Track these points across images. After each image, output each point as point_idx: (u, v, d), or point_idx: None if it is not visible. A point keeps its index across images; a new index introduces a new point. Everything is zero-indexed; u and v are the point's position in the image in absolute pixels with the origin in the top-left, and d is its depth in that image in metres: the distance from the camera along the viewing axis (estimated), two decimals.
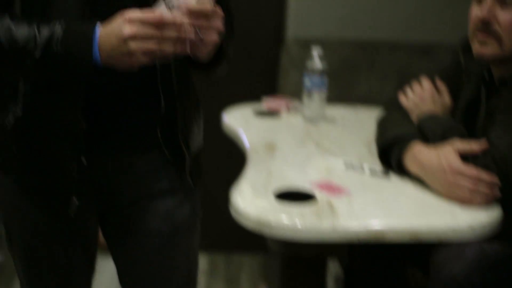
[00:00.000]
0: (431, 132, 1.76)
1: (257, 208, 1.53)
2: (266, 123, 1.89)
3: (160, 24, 1.23)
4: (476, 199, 1.59)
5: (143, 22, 1.22)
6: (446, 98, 1.91)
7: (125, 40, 1.22)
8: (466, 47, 1.85)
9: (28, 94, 1.39)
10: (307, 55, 2.27)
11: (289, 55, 3.05)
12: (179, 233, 1.52)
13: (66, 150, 1.41)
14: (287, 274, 2.05)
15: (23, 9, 1.35)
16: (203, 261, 3.20)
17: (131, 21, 1.23)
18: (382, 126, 1.91)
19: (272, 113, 2.33)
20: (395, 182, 1.73)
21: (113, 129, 1.45)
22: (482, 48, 1.72)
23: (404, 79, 2.02)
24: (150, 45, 1.23)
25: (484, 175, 1.58)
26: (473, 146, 1.63)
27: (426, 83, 1.94)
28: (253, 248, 3.18)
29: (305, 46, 2.96)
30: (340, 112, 2.41)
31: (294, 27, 3.12)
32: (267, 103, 2.42)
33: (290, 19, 3.13)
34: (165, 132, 1.46)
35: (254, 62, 3.19)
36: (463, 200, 1.60)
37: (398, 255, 1.90)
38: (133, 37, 1.22)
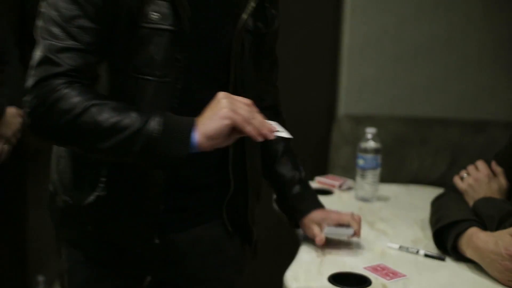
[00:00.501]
0: (488, 216, 1.74)
1: None
2: None
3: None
4: None
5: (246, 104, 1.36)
6: (503, 180, 1.90)
7: (222, 107, 1.33)
8: None
9: (111, 178, 1.47)
10: (359, 132, 2.28)
11: (340, 131, 3.08)
12: None
13: (141, 230, 1.50)
14: None
15: (110, 94, 1.41)
16: None
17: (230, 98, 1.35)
18: (437, 209, 1.90)
19: (324, 191, 2.33)
20: (451, 267, 1.71)
21: (184, 208, 1.58)
22: None
23: (457, 156, 2.02)
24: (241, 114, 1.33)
25: None
26: None
27: (481, 165, 1.94)
28: None
29: (356, 122, 2.99)
30: (392, 190, 2.40)
31: (345, 104, 3.16)
32: (320, 181, 2.44)
33: (341, 96, 3.17)
34: (231, 210, 1.64)
35: (306, 138, 3.22)
36: None
37: None
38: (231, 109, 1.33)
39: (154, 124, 1.31)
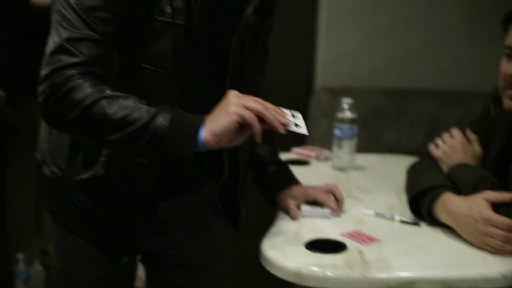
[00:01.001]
0: (462, 182, 1.77)
1: (288, 259, 1.54)
2: (296, 171, 1.91)
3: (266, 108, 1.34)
4: (508, 248, 1.58)
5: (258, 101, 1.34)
6: (477, 147, 1.92)
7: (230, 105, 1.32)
8: (497, 98, 1.87)
9: (111, 158, 1.49)
10: (336, 104, 2.29)
11: (318, 103, 3.09)
12: (217, 261, 1.80)
13: (128, 214, 1.55)
14: None
15: (119, 85, 1.40)
16: None
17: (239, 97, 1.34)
18: (413, 176, 1.92)
19: (301, 162, 2.35)
20: (426, 232, 1.74)
21: (175, 194, 1.63)
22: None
23: (434, 127, 2.04)
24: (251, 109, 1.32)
25: None
26: (505, 195, 1.64)
27: (456, 133, 1.96)
28: None
29: (334, 95, 3.00)
30: (369, 160, 2.42)
31: (323, 76, 3.17)
32: (297, 152, 2.45)
33: (319, 69, 3.18)
34: (223, 193, 1.69)
35: None
36: (495, 250, 1.59)
37: None
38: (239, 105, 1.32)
39: (162, 120, 1.30)
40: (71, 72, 1.31)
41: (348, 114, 2.25)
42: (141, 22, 1.40)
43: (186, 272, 1.76)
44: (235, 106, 1.30)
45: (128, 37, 1.41)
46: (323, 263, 1.51)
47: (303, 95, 3.22)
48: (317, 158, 2.39)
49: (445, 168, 1.89)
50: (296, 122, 1.38)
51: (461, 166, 1.84)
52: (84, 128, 1.34)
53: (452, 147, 1.93)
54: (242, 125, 1.32)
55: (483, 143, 1.93)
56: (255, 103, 1.32)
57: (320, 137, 2.95)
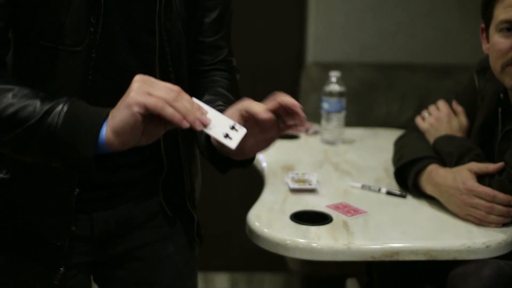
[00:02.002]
0: (447, 153, 1.78)
1: (273, 230, 1.56)
2: (284, 145, 1.92)
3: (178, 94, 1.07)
4: (491, 219, 1.60)
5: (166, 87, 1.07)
6: (463, 119, 1.93)
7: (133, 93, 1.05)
8: (481, 70, 1.87)
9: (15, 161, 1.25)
10: (327, 79, 2.30)
11: (309, 79, 3.09)
12: (183, 279, 1.49)
13: (54, 218, 1.30)
14: None
15: (14, 67, 1.23)
16: (224, 281, 3.23)
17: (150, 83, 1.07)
18: (399, 148, 1.93)
19: (290, 136, 2.36)
20: (412, 203, 1.75)
21: (106, 186, 1.36)
22: None
23: (424, 101, 2.04)
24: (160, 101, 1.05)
25: (500, 195, 1.59)
26: (489, 167, 1.65)
27: (442, 104, 1.97)
28: (274, 267, 3.20)
29: (325, 70, 3.00)
30: (358, 134, 2.43)
31: (313, 51, 3.16)
32: None
33: (309, 43, 3.18)
34: (168, 195, 1.41)
35: (274, 86, 3.22)
36: (479, 220, 1.61)
37: (417, 274, 1.91)
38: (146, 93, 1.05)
39: (55, 116, 1.07)
40: None
41: (336, 88, 2.25)
42: None
43: None
44: (136, 93, 1.03)
45: (19, 8, 1.18)
46: (308, 235, 1.53)
47: (294, 70, 3.21)
48: (307, 132, 2.40)
49: (431, 140, 1.90)
50: (228, 133, 1.10)
51: (446, 138, 1.85)
52: None
53: (438, 119, 1.94)
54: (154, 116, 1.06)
55: (469, 114, 1.93)
56: (164, 90, 1.05)
57: (311, 112, 2.94)
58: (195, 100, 1.10)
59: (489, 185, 1.62)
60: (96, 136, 1.05)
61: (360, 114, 3.04)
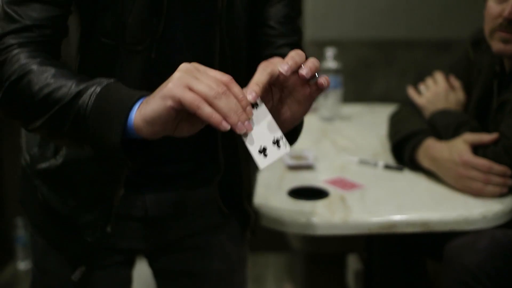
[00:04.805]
0: (444, 127, 1.78)
1: (271, 206, 1.57)
2: None
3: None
4: (488, 190, 1.61)
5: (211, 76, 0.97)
6: (460, 94, 1.93)
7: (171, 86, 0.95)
8: (475, 42, 1.87)
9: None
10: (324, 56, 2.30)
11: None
12: (235, 271, 1.46)
13: (93, 217, 1.28)
14: (309, 270, 2.09)
15: (79, 63, 1.21)
16: None
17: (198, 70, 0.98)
18: (395, 123, 1.94)
19: None
20: (408, 176, 1.76)
21: (161, 188, 1.33)
22: (506, 45, 1.68)
23: (422, 77, 2.04)
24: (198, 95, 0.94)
25: (496, 166, 1.60)
26: (484, 137, 1.65)
27: (439, 78, 1.97)
28: (278, 247, 3.22)
29: (323, 48, 3.00)
30: (356, 110, 2.44)
31: (311, 29, 3.16)
32: None
33: (307, 21, 3.17)
34: (224, 193, 1.36)
35: None
36: (476, 192, 1.62)
37: (416, 249, 1.92)
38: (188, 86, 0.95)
39: (86, 97, 1.01)
40: (10, 41, 1.10)
41: (332, 64, 2.25)
42: None
43: (195, 282, 1.42)
44: (174, 86, 0.94)
45: (84, 2, 1.16)
46: (304, 210, 1.54)
47: None
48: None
49: (428, 115, 1.90)
50: (266, 147, 0.97)
51: (443, 112, 1.85)
52: (11, 110, 1.10)
53: (436, 93, 1.93)
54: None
55: (464, 87, 1.93)
56: (208, 83, 0.94)
57: None
58: (249, 95, 0.97)
59: (484, 156, 1.62)
60: (124, 121, 0.97)
61: (359, 91, 3.04)
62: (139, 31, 1.16)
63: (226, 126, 0.93)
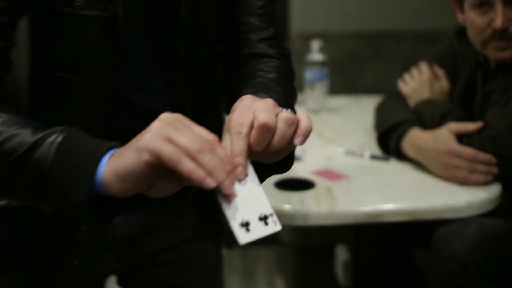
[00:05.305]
0: (429, 116, 1.79)
1: None
2: None
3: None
4: (473, 179, 1.62)
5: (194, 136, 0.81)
6: (444, 83, 1.94)
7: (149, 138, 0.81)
8: (460, 32, 1.88)
9: None
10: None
11: (294, 50, 3.09)
12: (210, 280, 1.41)
13: (57, 249, 1.20)
14: (299, 263, 2.09)
15: (31, 97, 1.11)
16: None
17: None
18: (380, 113, 1.95)
19: None
20: (394, 166, 1.77)
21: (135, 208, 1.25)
22: (502, 53, 1.68)
23: (410, 68, 2.05)
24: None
25: (481, 155, 1.61)
26: (468, 126, 1.66)
27: (424, 68, 1.97)
28: (268, 241, 3.22)
29: (309, 41, 3.00)
30: (343, 102, 2.44)
31: (297, 22, 3.16)
32: None
33: (293, 14, 3.17)
34: (198, 204, 1.27)
35: None
36: (461, 180, 1.63)
37: (404, 237, 1.93)
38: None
39: (45, 148, 0.86)
40: None
41: (317, 57, 2.26)
42: (43, 17, 1.05)
43: None
44: (152, 137, 0.80)
45: (34, 34, 1.07)
46: (291, 201, 1.55)
47: None
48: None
49: (413, 104, 1.91)
50: (249, 221, 0.83)
51: (428, 102, 1.86)
52: None
53: (421, 83, 1.95)
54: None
55: (449, 76, 1.95)
56: (191, 137, 0.80)
57: (296, 83, 2.95)
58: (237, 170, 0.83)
59: (469, 145, 1.63)
60: (92, 175, 0.83)
61: (347, 83, 3.04)
62: (96, 61, 1.07)
63: (210, 182, 0.79)
